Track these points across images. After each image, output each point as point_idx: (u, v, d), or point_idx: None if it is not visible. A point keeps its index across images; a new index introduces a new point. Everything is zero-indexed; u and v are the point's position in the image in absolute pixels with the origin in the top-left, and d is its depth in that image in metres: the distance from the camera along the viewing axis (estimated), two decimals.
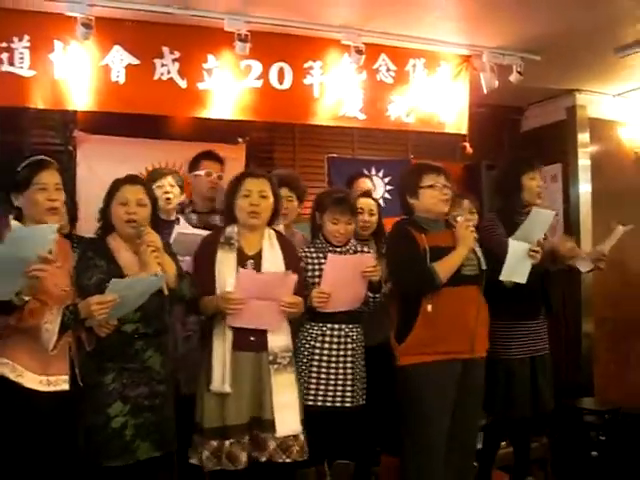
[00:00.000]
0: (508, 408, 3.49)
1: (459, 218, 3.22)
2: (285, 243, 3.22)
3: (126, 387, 2.85)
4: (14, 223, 2.46)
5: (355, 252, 3.39)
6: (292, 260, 3.17)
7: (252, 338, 3.01)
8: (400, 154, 5.59)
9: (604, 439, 4.71)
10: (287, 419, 3.00)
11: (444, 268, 3.07)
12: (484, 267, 3.19)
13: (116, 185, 2.98)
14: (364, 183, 4.47)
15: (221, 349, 2.99)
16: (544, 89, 5.61)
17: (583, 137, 5.72)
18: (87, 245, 3.01)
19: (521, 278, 3.28)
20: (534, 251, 3.27)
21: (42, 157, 2.81)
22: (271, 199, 3.14)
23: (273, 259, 3.11)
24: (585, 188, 5.70)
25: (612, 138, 5.87)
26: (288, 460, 2.99)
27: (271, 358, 3.01)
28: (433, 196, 3.20)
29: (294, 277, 3.01)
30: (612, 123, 5.85)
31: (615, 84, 5.51)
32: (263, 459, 2.98)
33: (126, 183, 2.98)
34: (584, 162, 5.71)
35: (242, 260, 3.07)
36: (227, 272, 3.02)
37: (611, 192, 5.67)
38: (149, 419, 2.87)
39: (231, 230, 3.12)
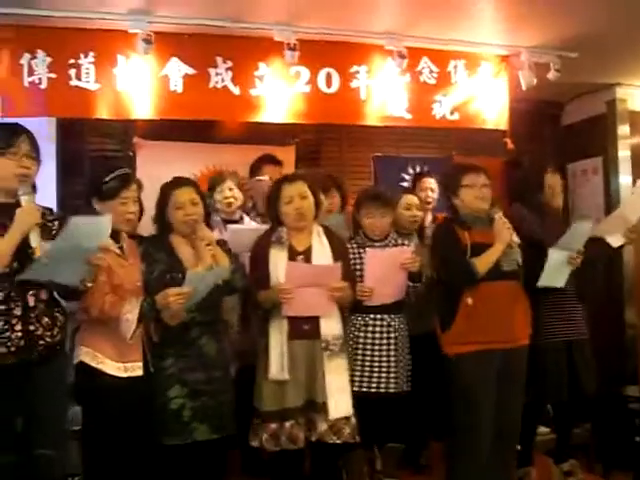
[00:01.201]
0: (543, 392, 3.62)
1: (496, 215, 3.33)
2: (332, 237, 3.40)
3: (183, 372, 3.07)
4: (73, 219, 2.60)
5: (395, 245, 3.56)
6: (340, 252, 3.35)
7: (305, 327, 3.21)
8: (443, 152, 5.72)
9: None
10: (339, 402, 3.18)
11: (482, 263, 3.22)
12: (520, 263, 3.32)
13: (167, 190, 3.21)
14: (428, 182, 4.62)
15: (278, 339, 3.19)
16: (584, 84, 5.66)
17: (623, 130, 5.74)
18: (148, 242, 3.25)
19: (560, 283, 3.44)
20: (574, 258, 3.41)
21: (127, 171, 3.09)
22: (311, 198, 3.33)
23: (322, 253, 3.30)
24: (625, 180, 5.73)
25: None
26: (338, 441, 3.16)
27: (324, 345, 3.20)
28: (472, 195, 3.36)
29: (338, 266, 3.20)
30: None
31: None
32: (314, 439, 3.17)
33: (177, 187, 3.21)
34: (624, 154, 5.73)
35: (293, 256, 3.27)
36: (280, 268, 3.21)
37: None
38: (206, 403, 3.08)
39: (281, 230, 3.31)
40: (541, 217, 3.67)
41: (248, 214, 4.15)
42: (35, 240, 2.51)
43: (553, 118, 6.32)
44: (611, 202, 5.76)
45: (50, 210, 2.79)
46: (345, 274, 3.25)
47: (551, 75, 4.74)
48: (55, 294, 2.68)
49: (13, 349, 2.51)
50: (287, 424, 3.15)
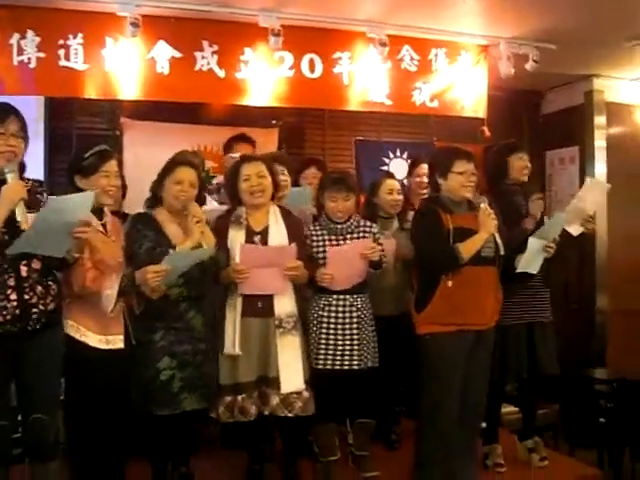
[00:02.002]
0: (503, 370, 3.72)
1: (482, 205, 3.39)
2: (288, 217, 3.49)
3: (173, 344, 3.18)
4: (51, 198, 2.72)
5: (357, 227, 3.60)
6: (295, 232, 3.44)
7: (260, 305, 3.31)
8: (423, 137, 5.84)
9: (612, 406, 4.95)
10: (291, 377, 3.29)
11: (467, 249, 3.29)
12: (502, 252, 3.41)
13: (172, 164, 3.32)
14: (424, 168, 4.55)
15: (232, 316, 3.30)
16: (562, 74, 5.82)
17: (600, 120, 5.92)
18: (136, 219, 3.34)
19: (534, 269, 3.55)
20: (549, 247, 3.53)
21: (106, 147, 3.18)
22: (269, 178, 3.41)
23: (278, 234, 3.39)
24: (601, 169, 5.90)
25: (628, 121, 6.05)
26: (290, 414, 3.29)
27: (277, 322, 3.31)
28: (460, 182, 3.39)
29: (293, 247, 3.30)
30: (629, 107, 6.03)
31: (631, 69, 5.66)
32: (266, 412, 3.31)
33: (181, 164, 3.32)
34: (600, 144, 5.91)
35: (250, 236, 3.35)
36: (238, 247, 3.30)
37: (627, 173, 5.86)
38: (193, 373, 3.20)
39: (240, 210, 3.41)
40: (505, 200, 3.76)
41: (219, 190, 4.24)
42: (20, 214, 2.60)
43: (533, 107, 6.48)
44: None
45: (40, 182, 2.89)
46: (300, 254, 3.36)
47: (529, 66, 4.88)
48: (48, 265, 2.78)
49: (9, 317, 2.61)
50: (239, 397, 3.28)
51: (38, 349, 2.75)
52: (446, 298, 3.36)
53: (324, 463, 3.67)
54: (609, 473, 4.87)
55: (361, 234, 3.61)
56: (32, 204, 2.69)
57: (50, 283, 2.79)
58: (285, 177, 3.82)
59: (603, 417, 4.99)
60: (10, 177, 2.63)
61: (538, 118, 6.47)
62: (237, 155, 4.23)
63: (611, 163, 5.94)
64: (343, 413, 3.80)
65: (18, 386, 2.78)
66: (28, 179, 2.83)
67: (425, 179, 4.48)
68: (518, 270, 3.50)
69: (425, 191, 4.50)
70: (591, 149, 5.95)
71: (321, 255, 3.53)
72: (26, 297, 2.67)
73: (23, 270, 2.67)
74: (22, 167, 2.80)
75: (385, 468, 3.75)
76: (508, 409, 4.54)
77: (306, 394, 3.35)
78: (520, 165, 3.87)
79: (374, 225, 3.71)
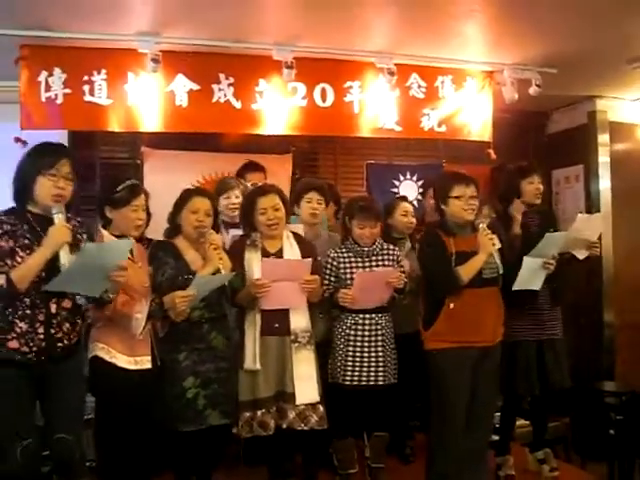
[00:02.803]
0: (514, 385, 3.86)
1: (480, 226, 3.52)
2: (300, 240, 3.71)
3: (197, 364, 3.38)
4: (88, 245, 2.84)
5: (382, 249, 3.81)
6: (308, 252, 3.64)
7: (276, 325, 3.50)
8: (432, 159, 5.99)
9: (621, 419, 5.06)
10: (305, 389, 3.47)
11: (466, 272, 3.45)
12: (501, 271, 3.53)
13: (187, 195, 3.51)
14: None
15: (251, 332, 3.48)
16: (566, 96, 5.97)
17: (603, 139, 6.05)
18: (157, 247, 3.53)
19: (536, 286, 3.68)
20: (548, 263, 3.65)
21: (136, 182, 3.41)
22: (283, 209, 3.61)
23: (292, 254, 3.61)
24: (605, 186, 6.03)
25: (631, 139, 6.17)
26: (306, 428, 3.46)
27: (292, 338, 3.50)
28: (460, 206, 3.54)
29: (308, 261, 3.49)
30: (631, 126, 6.15)
31: (632, 90, 5.81)
32: (284, 426, 3.46)
33: (196, 195, 3.51)
34: (604, 162, 6.04)
35: (266, 257, 3.55)
36: (254, 267, 3.50)
37: (630, 189, 6.02)
38: (217, 391, 3.39)
39: (255, 235, 3.61)
40: (508, 223, 3.91)
41: None
42: (64, 257, 2.71)
43: (539, 127, 6.62)
44: (591, 206, 6.07)
45: (81, 223, 3.01)
46: (314, 270, 3.54)
47: (532, 90, 5.04)
48: (77, 301, 2.92)
49: (35, 349, 2.77)
50: (259, 412, 3.45)
51: (62, 373, 2.88)
52: (449, 319, 3.52)
53: (343, 476, 3.85)
54: None
55: (385, 256, 3.82)
56: (71, 246, 2.81)
57: (77, 320, 2.94)
58: (320, 207, 4.05)
59: (613, 429, 5.08)
60: (57, 218, 2.74)
61: (544, 138, 6.61)
62: (249, 185, 4.40)
63: (615, 180, 6.06)
64: (361, 427, 3.96)
65: (43, 408, 2.91)
66: (71, 218, 2.92)
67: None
68: (514, 288, 3.60)
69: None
70: (595, 167, 6.08)
71: (348, 276, 3.71)
72: (52, 331, 2.81)
73: (52, 307, 2.81)
74: (69, 207, 2.91)
75: None
76: (519, 422, 4.64)
77: (321, 409, 3.51)
78: (532, 189, 3.97)
79: (397, 248, 3.91)
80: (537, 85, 5.03)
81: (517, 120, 6.19)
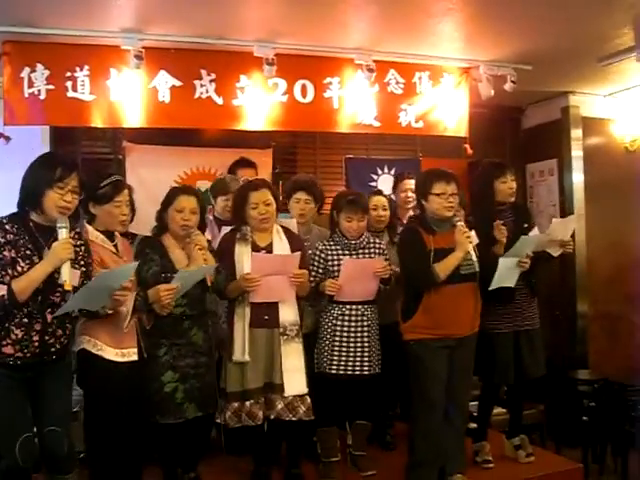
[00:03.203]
0: (491, 375, 3.98)
1: (458, 224, 3.58)
2: (290, 234, 3.79)
3: (176, 359, 3.46)
4: (103, 272, 2.95)
5: (369, 243, 3.89)
6: (297, 247, 3.71)
7: (266, 317, 3.58)
8: (410, 153, 6.10)
9: (594, 405, 5.24)
10: (294, 381, 3.56)
11: (443, 269, 3.53)
12: (477, 268, 3.64)
13: (173, 194, 3.57)
14: (408, 184, 4.86)
15: (240, 325, 3.55)
16: (541, 92, 6.11)
17: (576, 134, 6.18)
18: (144, 243, 3.59)
19: (511, 283, 3.79)
20: (523, 262, 3.76)
21: (119, 178, 3.44)
22: (274, 204, 3.69)
23: (281, 248, 3.68)
24: (578, 179, 6.18)
25: (604, 134, 6.31)
26: (294, 419, 3.55)
27: (281, 330, 3.58)
28: (439, 203, 3.61)
29: (297, 255, 3.59)
30: (603, 121, 6.29)
31: (604, 86, 5.97)
32: (272, 417, 3.56)
33: (182, 193, 3.56)
34: (577, 156, 6.18)
35: (256, 251, 3.63)
36: (245, 261, 3.58)
37: (603, 183, 6.14)
38: (194, 385, 3.47)
39: (245, 229, 3.68)
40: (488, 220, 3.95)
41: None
42: (65, 274, 2.76)
43: (514, 122, 6.76)
44: (565, 199, 6.25)
45: (78, 234, 3.03)
46: (302, 264, 3.63)
47: (507, 86, 5.15)
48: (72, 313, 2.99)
49: (29, 355, 2.83)
50: (247, 403, 3.53)
51: (53, 372, 2.95)
52: (427, 312, 3.61)
53: (326, 463, 3.91)
54: (594, 468, 5.17)
55: (372, 249, 3.91)
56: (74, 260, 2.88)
57: (68, 325, 2.99)
58: (312, 207, 4.14)
59: (586, 416, 5.26)
60: (62, 233, 2.79)
61: (519, 132, 6.75)
62: (240, 180, 4.45)
63: (587, 173, 6.19)
64: (344, 416, 4.03)
65: (33, 404, 2.96)
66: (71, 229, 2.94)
67: (410, 193, 4.75)
68: (491, 287, 3.70)
69: (410, 205, 4.78)
70: (568, 161, 6.21)
71: (336, 268, 3.78)
72: (46, 338, 2.87)
73: (48, 317, 2.87)
74: (75, 218, 2.98)
75: (381, 468, 4.00)
76: (496, 410, 4.76)
77: (308, 400, 3.60)
78: (505, 188, 4.02)
79: (383, 242, 3.99)
80: (512, 81, 5.14)
81: (493, 115, 6.32)
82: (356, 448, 4.05)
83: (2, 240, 2.78)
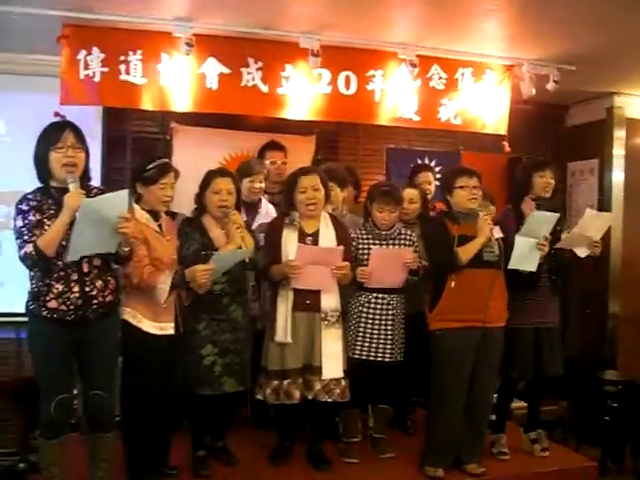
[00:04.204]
0: (509, 370, 4.06)
1: (480, 214, 3.80)
2: (337, 223, 3.92)
3: (215, 333, 3.65)
4: (85, 200, 2.94)
5: (399, 234, 4.00)
6: (343, 237, 3.86)
7: (308, 301, 3.74)
8: (451, 146, 6.13)
9: (617, 406, 5.32)
10: (332, 365, 3.73)
11: (465, 252, 3.71)
12: (502, 257, 3.79)
13: (210, 176, 3.75)
14: (426, 176, 4.98)
15: (284, 307, 3.72)
16: (585, 92, 6.11)
17: (619, 134, 6.17)
18: (186, 223, 3.78)
19: (531, 267, 3.87)
20: (541, 244, 3.86)
21: (166, 161, 3.62)
22: (322, 190, 3.82)
23: (327, 237, 3.83)
24: (618, 179, 6.18)
25: None
26: (329, 400, 3.71)
27: (322, 316, 3.74)
28: (463, 196, 3.81)
29: (341, 249, 3.73)
30: None
31: None
32: (310, 397, 3.72)
33: (218, 175, 3.74)
34: (619, 157, 6.17)
35: (303, 237, 3.79)
36: (290, 246, 3.73)
37: None
38: (234, 360, 3.66)
39: (294, 214, 3.83)
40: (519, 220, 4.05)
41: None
42: None
43: (558, 120, 6.74)
44: (604, 199, 6.25)
45: (102, 191, 3.20)
46: (346, 256, 3.77)
47: (550, 86, 5.18)
48: (108, 262, 3.20)
49: (72, 307, 3.04)
50: (285, 382, 3.70)
51: (97, 335, 3.16)
52: (451, 297, 3.77)
53: (347, 443, 4.09)
54: (613, 468, 5.25)
55: (402, 241, 4.03)
56: None
57: (109, 278, 3.20)
58: (335, 193, 4.25)
59: (609, 416, 5.33)
60: (72, 187, 2.97)
61: (562, 131, 6.74)
62: (268, 162, 4.72)
63: (628, 174, 6.19)
64: (367, 399, 4.19)
65: (80, 366, 3.20)
66: (92, 187, 3.21)
67: (427, 186, 4.85)
68: (509, 266, 3.82)
69: (428, 197, 4.83)
70: (610, 161, 6.20)
71: (365, 257, 3.92)
72: (87, 289, 3.08)
73: (85, 266, 3.08)
74: (87, 177, 3.18)
75: (399, 451, 4.16)
76: (518, 404, 4.87)
77: (344, 382, 3.76)
78: (542, 182, 4.12)
79: (414, 234, 4.09)
80: (555, 81, 5.16)
81: (537, 112, 6.34)
82: (377, 431, 4.21)
83: (26, 207, 3.01)
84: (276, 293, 3.80)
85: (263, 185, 4.49)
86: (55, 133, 3.06)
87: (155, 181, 3.49)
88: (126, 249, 3.15)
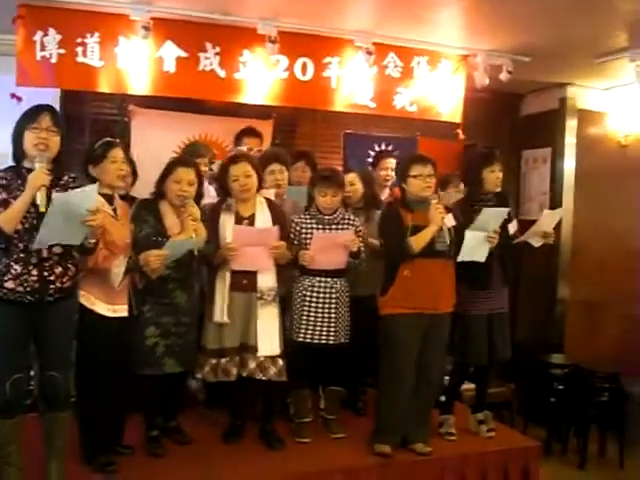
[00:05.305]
0: (465, 355, 4.22)
1: (432, 202, 3.87)
2: (272, 206, 4.01)
3: (159, 315, 3.71)
4: (56, 194, 3.00)
5: (343, 219, 4.07)
6: (278, 219, 3.95)
7: (245, 281, 3.84)
8: (408, 132, 6.16)
9: (562, 388, 5.54)
10: (267, 343, 3.83)
11: (417, 242, 3.80)
12: (452, 247, 3.89)
13: (173, 165, 3.77)
14: (388, 162, 5.08)
15: (221, 288, 3.82)
16: (539, 82, 6.23)
17: (571, 124, 6.31)
18: (142, 204, 3.81)
19: (481, 258, 4.00)
20: (491, 237, 3.98)
21: (110, 139, 3.64)
22: (254, 175, 3.91)
23: (263, 219, 3.92)
24: (569, 168, 6.32)
25: (598, 127, 6.42)
26: (264, 378, 3.82)
27: (259, 295, 3.84)
28: (417, 184, 3.89)
29: (276, 229, 3.83)
30: (599, 114, 6.41)
31: (601, 81, 6.08)
32: (244, 374, 3.83)
33: (181, 165, 3.77)
34: (570, 147, 6.31)
35: (239, 221, 3.88)
36: (227, 230, 3.83)
37: (594, 174, 6.28)
38: (176, 341, 3.73)
39: (230, 200, 3.92)
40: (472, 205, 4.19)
41: (211, 184, 4.61)
42: (40, 199, 2.97)
43: (513, 108, 6.86)
44: (555, 186, 6.40)
45: (74, 178, 3.28)
46: (282, 236, 3.87)
47: (503, 76, 5.29)
48: (69, 250, 3.22)
49: (29, 289, 3.08)
50: (223, 360, 3.82)
51: (54, 317, 3.20)
52: (403, 285, 3.87)
53: (298, 424, 4.19)
54: (557, 447, 5.46)
55: (345, 226, 4.09)
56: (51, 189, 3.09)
57: (69, 265, 3.23)
58: (283, 176, 4.36)
59: (554, 397, 5.55)
60: (37, 166, 3.03)
61: (517, 119, 6.86)
62: (245, 149, 4.73)
63: (579, 163, 6.33)
64: (317, 381, 4.30)
65: (37, 347, 3.25)
66: (64, 173, 3.24)
67: (390, 172, 4.96)
68: (459, 259, 3.94)
69: (389, 183, 5.01)
70: (561, 150, 6.35)
71: (309, 240, 3.99)
72: (45, 274, 3.12)
73: (44, 252, 3.11)
74: (60, 161, 3.21)
75: (351, 431, 4.25)
76: (467, 386, 4.99)
77: (280, 362, 3.86)
78: (492, 178, 4.23)
79: (357, 219, 4.18)
80: (508, 72, 5.27)
81: (493, 100, 6.44)
82: (328, 412, 4.30)
83: None
84: (214, 275, 3.88)
85: (207, 169, 4.50)
86: (33, 114, 3.11)
87: (103, 157, 3.52)
88: (92, 241, 3.21)
